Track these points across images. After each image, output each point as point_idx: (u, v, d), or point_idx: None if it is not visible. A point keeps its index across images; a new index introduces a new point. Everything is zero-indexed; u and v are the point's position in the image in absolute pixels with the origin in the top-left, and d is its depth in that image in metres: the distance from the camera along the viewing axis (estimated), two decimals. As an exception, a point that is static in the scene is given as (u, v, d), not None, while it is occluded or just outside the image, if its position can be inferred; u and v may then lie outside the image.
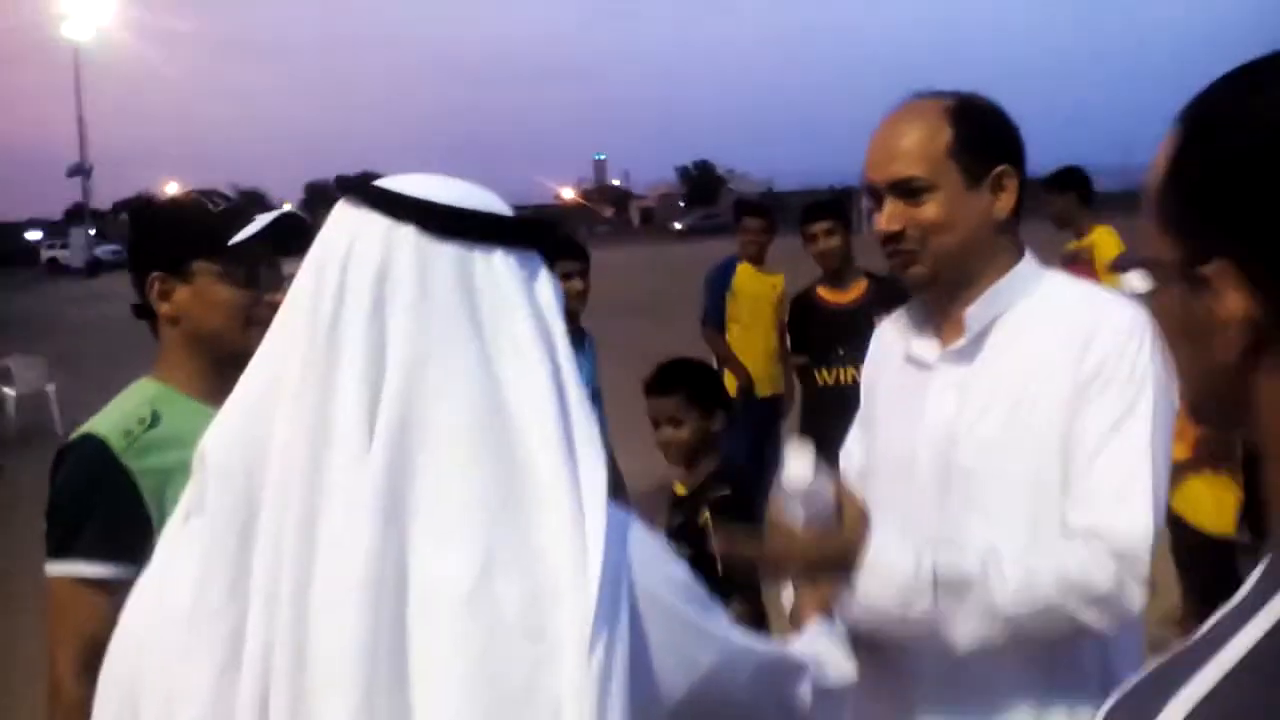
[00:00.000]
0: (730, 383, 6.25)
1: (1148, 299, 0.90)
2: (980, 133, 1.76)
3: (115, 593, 1.84)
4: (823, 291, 5.20)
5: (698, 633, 1.18)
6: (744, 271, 6.46)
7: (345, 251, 1.13)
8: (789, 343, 5.46)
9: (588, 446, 1.12)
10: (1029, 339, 1.76)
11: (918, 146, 1.73)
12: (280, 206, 2.73)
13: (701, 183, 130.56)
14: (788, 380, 6.38)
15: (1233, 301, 0.78)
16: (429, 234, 1.13)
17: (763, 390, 6.32)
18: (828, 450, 4.84)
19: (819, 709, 1.40)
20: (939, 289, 1.81)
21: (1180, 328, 0.85)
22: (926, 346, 1.85)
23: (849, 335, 4.87)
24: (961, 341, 1.79)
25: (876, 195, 1.78)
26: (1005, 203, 1.76)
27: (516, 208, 1.22)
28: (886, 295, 4.95)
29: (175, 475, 1.90)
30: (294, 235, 2.05)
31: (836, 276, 5.14)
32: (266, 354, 1.16)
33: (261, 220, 2.04)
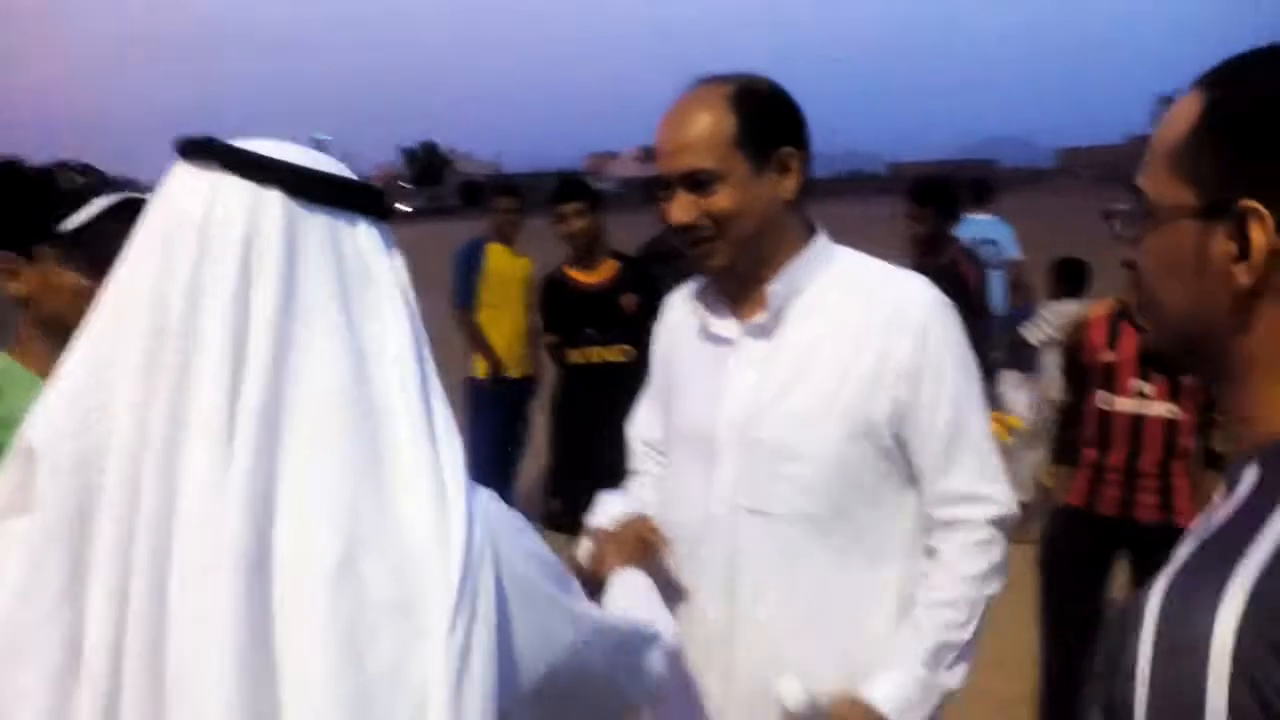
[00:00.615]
0: (480, 364, 6.29)
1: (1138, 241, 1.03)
2: (763, 117, 1.79)
3: None
4: (572, 272, 5.24)
5: (558, 609, 1.19)
6: (495, 252, 6.44)
7: (202, 217, 1.05)
8: (542, 322, 5.50)
9: (446, 423, 1.11)
10: (830, 314, 1.83)
11: (704, 138, 1.76)
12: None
13: (426, 164, 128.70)
14: (538, 360, 6.47)
15: (1261, 236, 0.91)
16: (298, 200, 1.08)
17: (513, 371, 6.33)
18: (586, 426, 4.90)
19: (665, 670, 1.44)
20: (732, 273, 1.86)
21: (1179, 266, 0.98)
22: (725, 323, 1.90)
23: (598, 315, 5.00)
24: (763, 317, 1.85)
25: (666, 185, 1.82)
26: (791, 183, 1.82)
27: None
28: (636, 276, 5.10)
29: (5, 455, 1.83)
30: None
31: (585, 257, 5.19)
32: (93, 332, 1.07)
33: (98, 203, 1.95)
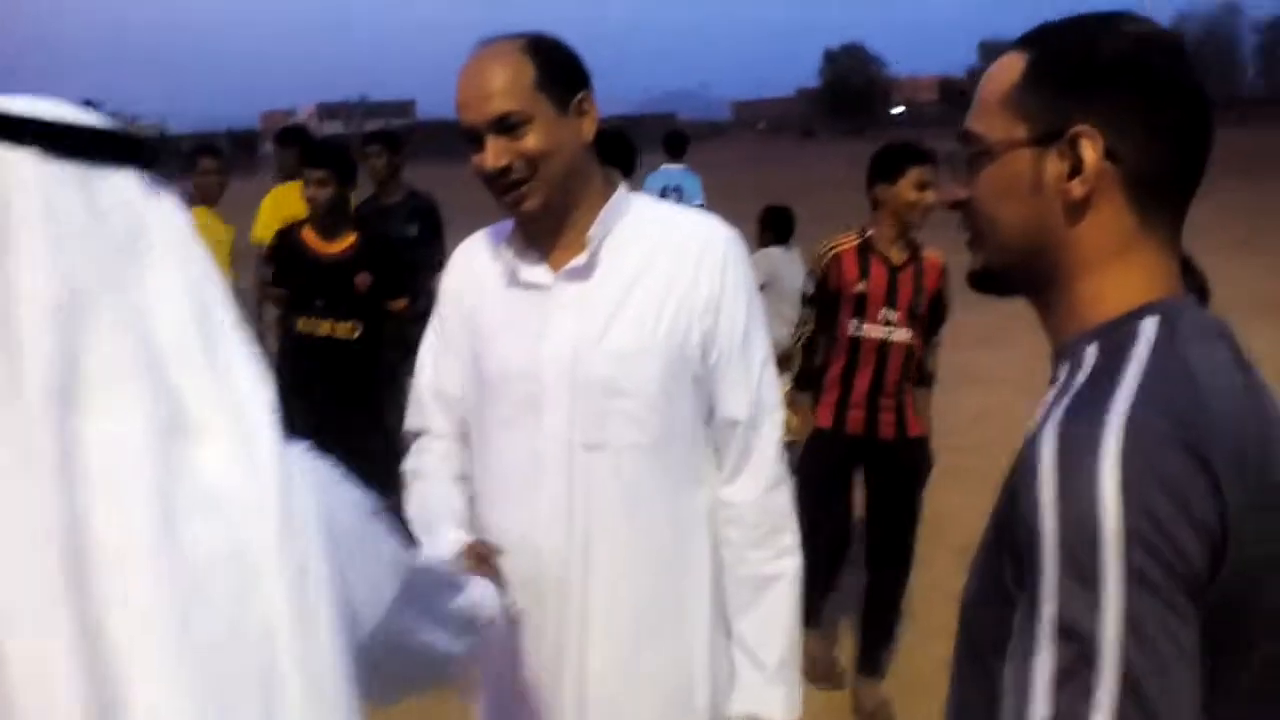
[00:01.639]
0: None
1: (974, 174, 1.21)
2: (557, 64, 1.89)
3: None
4: (310, 236, 5.03)
5: (384, 558, 1.20)
6: (200, 216, 6.16)
7: None
8: (270, 276, 5.21)
9: (245, 369, 1.07)
10: (640, 255, 1.94)
11: (508, 84, 1.84)
12: None
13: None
14: (257, 329, 6.30)
15: (1092, 153, 1.11)
16: (49, 156, 1.01)
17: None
18: (307, 399, 4.76)
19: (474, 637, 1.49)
20: (544, 217, 1.92)
21: (1016, 190, 1.17)
22: (536, 270, 1.96)
23: (330, 288, 4.85)
24: (581, 260, 1.92)
25: (476, 137, 1.87)
26: (590, 125, 1.92)
27: None
28: (375, 253, 4.95)
29: None
30: None
31: (326, 225, 5.00)
32: None
33: None
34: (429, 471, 2.10)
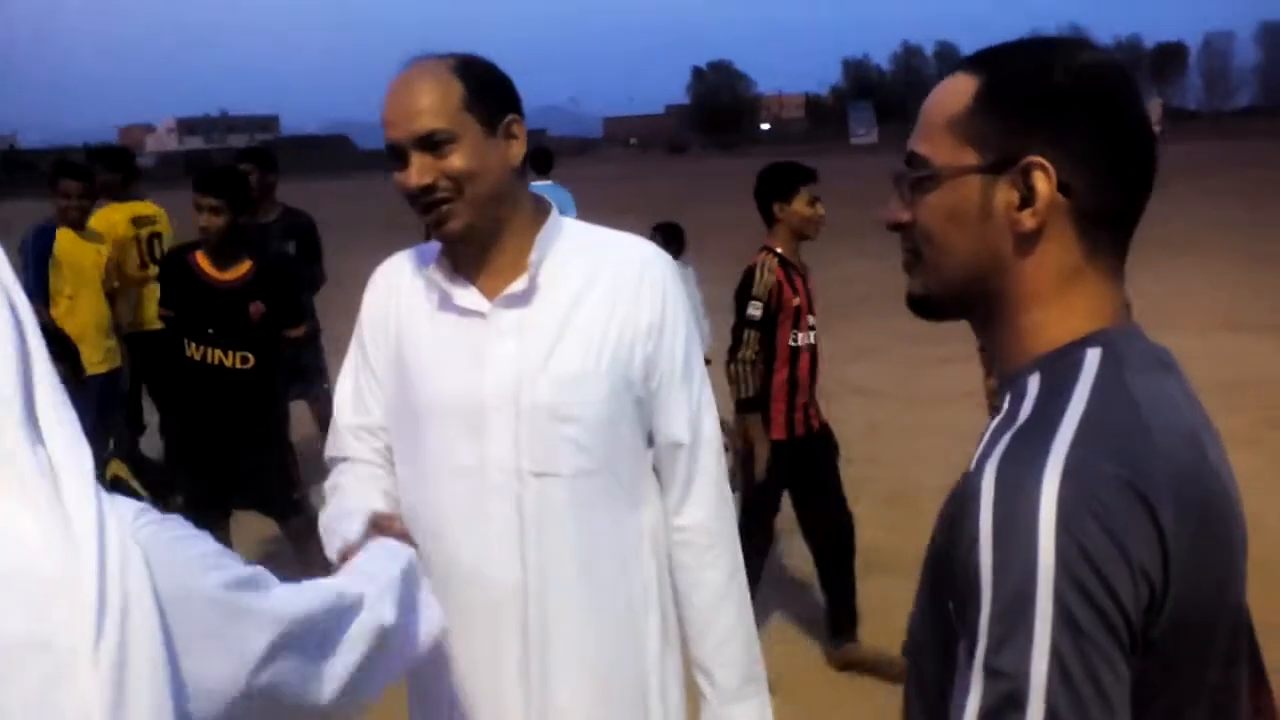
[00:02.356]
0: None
1: (921, 197, 1.15)
2: (487, 85, 1.86)
3: None
4: (203, 262, 4.84)
5: (245, 614, 1.10)
6: (65, 238, 5.88)
7: None
8: (160, 296, 5.00)
9: (64, 429, 1.00)
10: (579, 280, 1.91)
11: (436, 102, 1.81)
12: None
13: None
14: (124, 352, 6.11)
15: (1045, 186, 1.08)
16: None
17: (98, 367, 5.89)
18: (195, 427, 4.64)
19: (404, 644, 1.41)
20: (473, 238, 1.88)
21: (963, 217, 1.13)
22: (469, 294, 1.91)
23: (221, 316, 4.68)
24: (520, 285, 1.88)
25: (400, 154, 1.83)
26: (518, 150, 1.89)
27: None
28: (269, 282, 4.79)
29: None
30: None
31: (220, 253, 4.81)
32: None
33: None
34: (349, 486, 2.01)
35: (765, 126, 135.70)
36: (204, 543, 1.08)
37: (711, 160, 69.75)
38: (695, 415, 1.97)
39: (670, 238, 6.72)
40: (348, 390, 2.07)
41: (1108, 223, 1.12)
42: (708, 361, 4.84)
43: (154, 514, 1.04)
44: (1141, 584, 0.97)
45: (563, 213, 2.04)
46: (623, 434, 1.93)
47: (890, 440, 6.90)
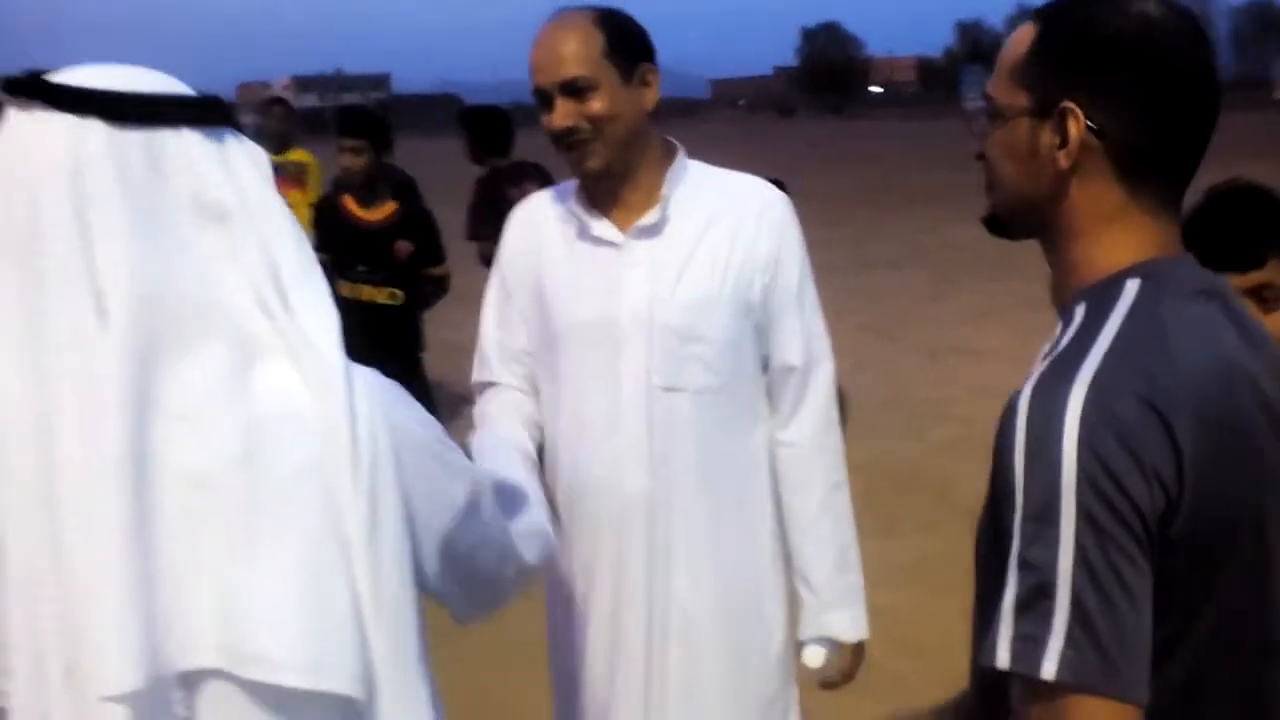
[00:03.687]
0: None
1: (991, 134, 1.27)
2: (625, 35, 2.03)
3: None
4: (350, 203, 5.10)
5: (451, 468, 1.27)
6: None
7: (26, 155, 1.09)
8: (315, 240, 5.33)
9: (315, 308, 1.16)
10: (704, 214, 2.07)
11: (578, 51, 1.98)
12: None
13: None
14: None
15: (1076, 128, 1.17)
16: (117, 124, 1.11)
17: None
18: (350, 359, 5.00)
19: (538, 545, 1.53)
20: (609, 176, 2.04)
21: (1016, 154, 1.24)
22: (605, 226, 2.08)
23: (370, 254, 4.92)
24: (652, 218, 2.05)
25: (546, 98, 2.00)
26: (652, 95, 2.05)
27: None
28: (414, 222, 5.05)
29: None
30: None
31: (364, 192, 5.06)
32: None
33: None
34: (495, 414, 2.17)
35: (876, 89, 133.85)
36: (419, 406, 1.26)
37: (821, 122, 69.11)
38: (808, 342, 2.12)
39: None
40: (492, 318, 2.24)
41: (1150, 163, 1.20)
42: None
43: (380, 376, 1.21)
44: (1157, 489, 1.07)
45: None
46: (744, 356, 2.09)
47: (994, 401, 6.80)
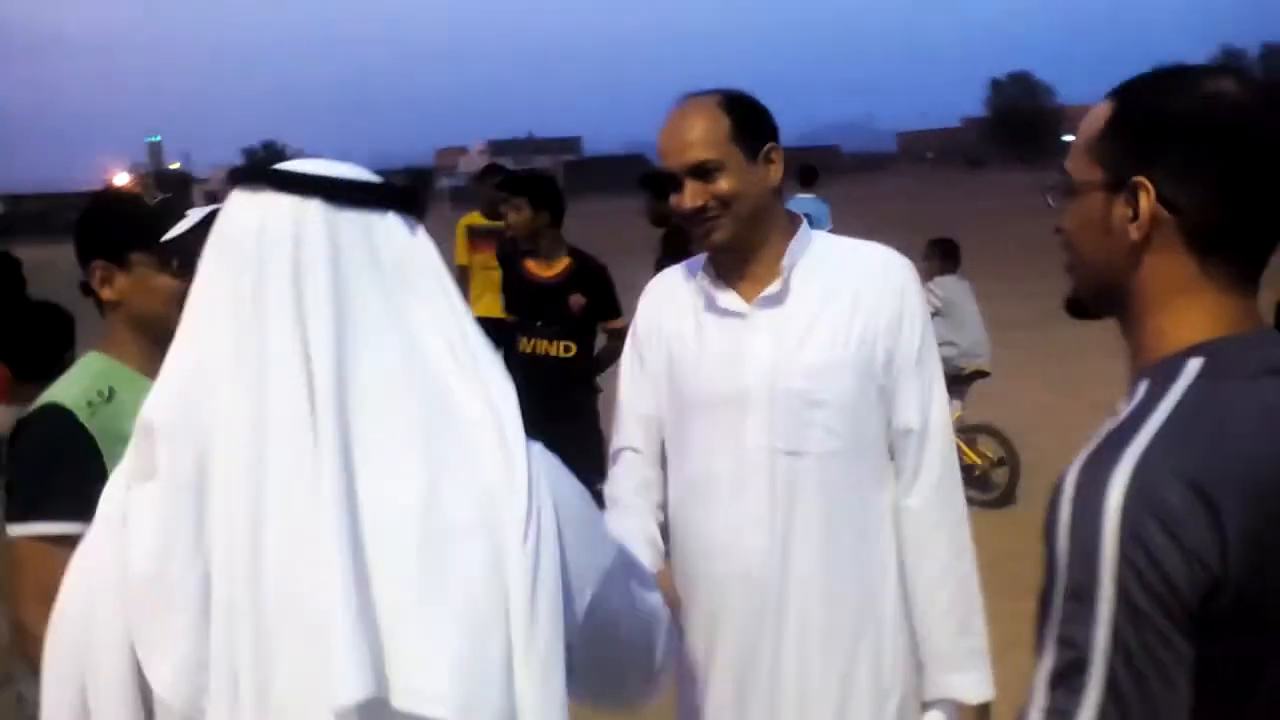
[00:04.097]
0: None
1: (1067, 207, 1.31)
2: (750, 118, 2.14)
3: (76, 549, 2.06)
4: (529, 262, 5.39)
5: (600, 537, 1.36)
6: None
7: (258, 228, 1.23)
8: (504, 302, 5.66)
9: (494, 373, 1.27)
10: (826, 282, 2.16)
11: (705, 135, 2.10)
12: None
13: (270, 164, 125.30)
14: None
15: (1146, 203, 1.21)
16: (333, 205, 1.25)
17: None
18: (526, 413, 5.28)
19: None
20: (736, 250, 2.16)
21: (1092, 227, 1.28)
22: (731, 297, 2.19)
23: (545, 309, 5.17)
24: (775, 288, 2.15)
25: (676, 180, 2.13)
26: (776, 173, 2.16)
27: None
28: (588, 276, 5.26)
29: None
30: None
31: (540, 250, 5.34)
32: (190, 330, 1.26)
33: (192, 216, 2.19)
34: (626, 502, 2.27)
35: (1069, 139, 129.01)
36: (573, 477, 1.36)
37: (1010, 174, 67.46)
38: (925, 404, 2.17)
39: (946, 253, 6.99)
40: (627, 385, 2.37)
41: (1222, 240, 1.22)
42: (985, 374, 5.13)
43: (544, 449, 1.31)
44: (1199, 570, 1.08)
45: (818, 224, 2.28)
46: (867, 419, 2.15)
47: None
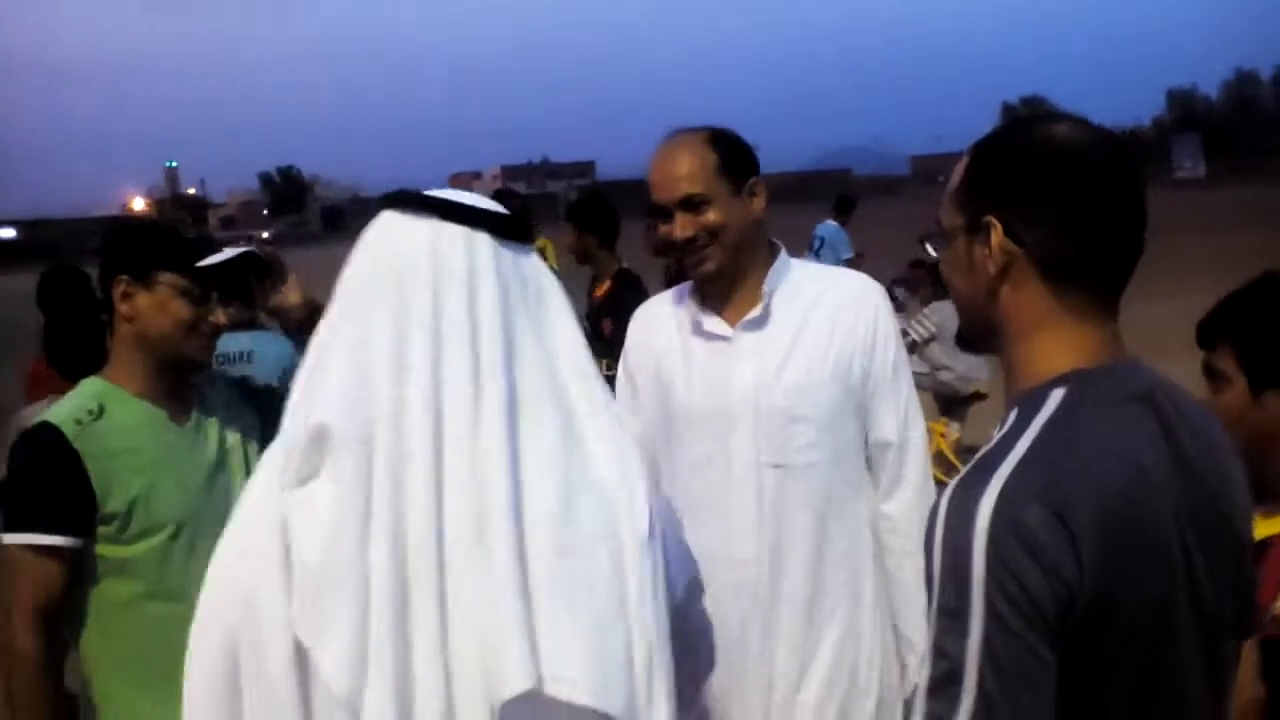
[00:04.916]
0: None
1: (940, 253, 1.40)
2: (734, 154, 2.28)
3: (64, 560, 2.15)
4: (593, 286, 5.56)
5: (688, 552, 1.52)
6: None
7: (428, 251, 1.35)
8: None
9: (609, 400, 1.42)
10: (804, 307, 2.29)
11: (694, 170, 2.24)
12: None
13: (286, 190, 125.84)
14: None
15: (995, 239, 1.30)
16: (497, 238, 1.38)
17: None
18: None
19: None
20: (722, 277, 2.29)
21: (960, 267, 1.36)
22: (716, 322, 2.32)
23: (592, 329, 5.23)
24: (757, 312, 2.28)
25: (665, 212, 2.27)
26: (760, 204, 2.30)
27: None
28: (617, 300, 5.29)
29: (118, 458, 2.18)
30: (252, 269, 2.36)
31: (595, 272, 5.51)
32: (348, 337, 1.34)
33: (228, 252, 2.30)
34: None
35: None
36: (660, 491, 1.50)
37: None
38: (903, 420, 2.30)
39: (939, 279, 7.08)
40: (622, 404, 2.44)
41: (1073, 273, 1.30)
42: (984, 396, 5.30)
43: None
44: (1059, 586, 1.16)
45: (836, 250, 2.42)
46: (846, 434, 2.28)
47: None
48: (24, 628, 2.14)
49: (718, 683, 2.27)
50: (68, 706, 2.28)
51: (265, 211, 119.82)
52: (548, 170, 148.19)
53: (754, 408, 2.26)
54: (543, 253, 7.71)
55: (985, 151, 1.36)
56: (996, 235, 1.30)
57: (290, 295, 2.40)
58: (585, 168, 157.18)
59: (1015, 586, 1.15)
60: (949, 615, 1.19)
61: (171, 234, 2.38)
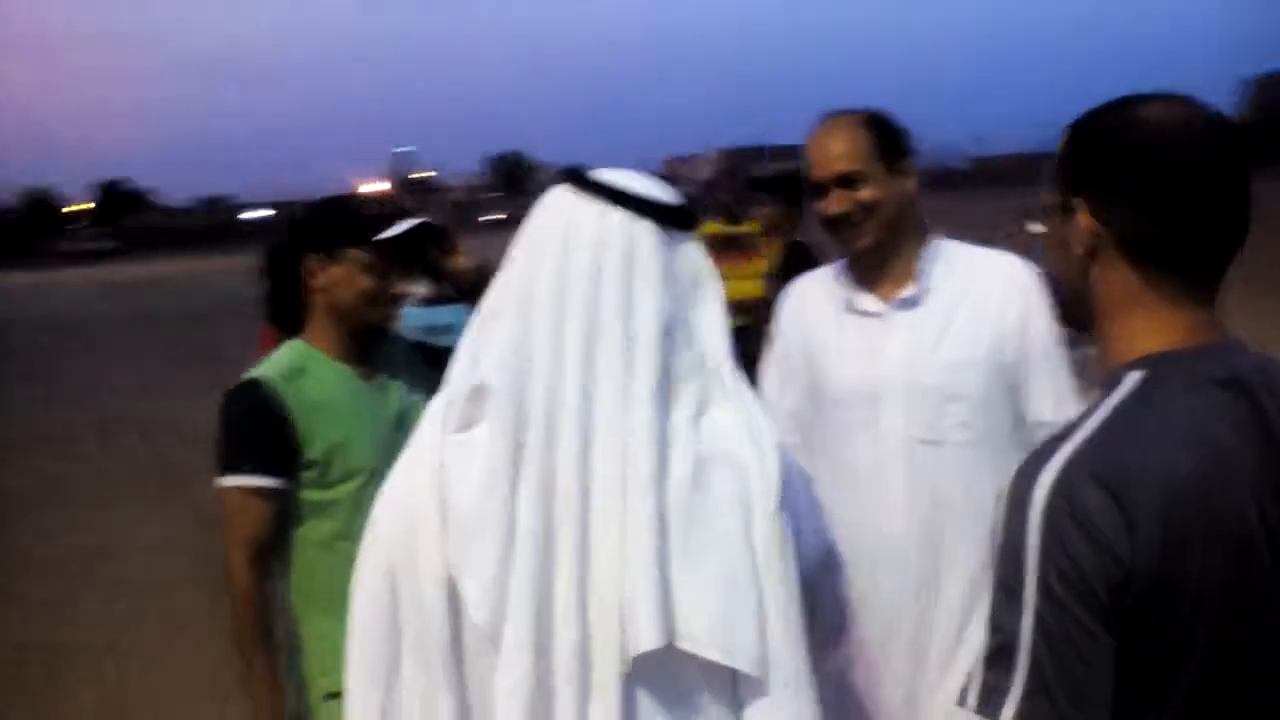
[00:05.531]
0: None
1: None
2: (888, 134, 2.33)
3: (273, 500, 2.37)
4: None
5: (820, 517, 1.56)
6: None
7: (595, 236, 1.41)
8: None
9: (744, 380, 1.46)
10: (957, 287, 2.30)
11: (850, 149, 2.30)
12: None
13: (511, 173, 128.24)
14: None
15: (1082, 219, 1.31)
16: (662, 228, 1.43)
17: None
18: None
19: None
20: (875, 254, 2.32)
21: (1056, 245, 1.38)
22: (869, 299, 2.34)
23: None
24: (911, 291, 2.30)
25: (822, 188, 2.31)
26: (912, 184, 2.34)
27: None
28: (787, 267, 5.45)
29: (319, 411, 2.39)
30: (427, 239, 2.54)
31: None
32: (510, 303, 1.42)
33: (403, 225, 2.48)
34: None
35: None
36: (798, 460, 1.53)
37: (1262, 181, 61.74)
38: (1059, 399, 2.27)
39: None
40: (773, 383, 2.56)
41: (1161, 257, 1.28)
42: None
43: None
44: (1112, 566, 1.16)
45: None
46: (999, 413, 2.28)
47: None
48: (241, 563, 2.37)
49: (861, 654, 2.31)
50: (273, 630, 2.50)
51: (492, 195, 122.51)
52: (760, 154, 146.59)
53: (905, 384, 2.28)
54: (753, 239, 7.78)
55: (1077, 130, 1.37)
56: (1083, 216, 1.31)
57: (460, 259, 2.54)
58: (791, 150, 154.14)
59: (1068, 564, 1.16)
60: (1005, 590, 1.21)
61: (353, 210, 2.56)
